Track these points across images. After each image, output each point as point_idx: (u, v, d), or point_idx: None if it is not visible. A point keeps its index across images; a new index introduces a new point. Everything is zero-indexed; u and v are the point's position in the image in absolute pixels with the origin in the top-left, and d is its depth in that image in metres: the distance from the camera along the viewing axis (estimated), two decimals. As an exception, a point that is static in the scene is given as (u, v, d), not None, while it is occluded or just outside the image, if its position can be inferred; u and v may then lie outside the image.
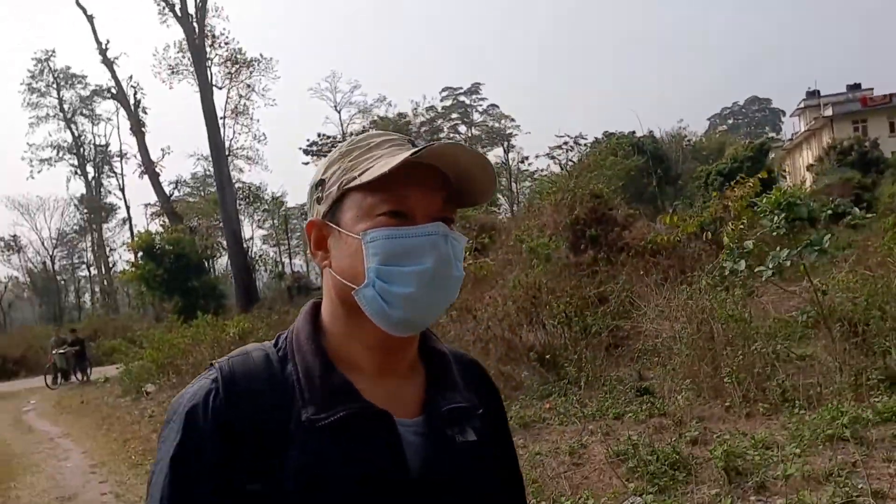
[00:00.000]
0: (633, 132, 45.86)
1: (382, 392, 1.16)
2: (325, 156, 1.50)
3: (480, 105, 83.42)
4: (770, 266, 7.17)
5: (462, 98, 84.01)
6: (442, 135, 54.38)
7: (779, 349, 7.35)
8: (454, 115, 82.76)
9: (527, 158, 64.22)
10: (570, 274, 12.53)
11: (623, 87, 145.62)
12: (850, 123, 48.58)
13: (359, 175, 1.14)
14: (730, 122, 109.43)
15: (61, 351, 22.65)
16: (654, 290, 10.04)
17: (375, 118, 61.23)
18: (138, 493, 7.86)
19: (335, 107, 65.69)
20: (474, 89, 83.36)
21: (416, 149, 1.10)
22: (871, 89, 54.59)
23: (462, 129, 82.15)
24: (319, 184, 1.21)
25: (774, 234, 7.51)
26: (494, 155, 65.46)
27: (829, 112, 50.80)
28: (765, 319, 8.38)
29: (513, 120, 79.74)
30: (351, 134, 41.42)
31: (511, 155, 74.46)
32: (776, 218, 7.33)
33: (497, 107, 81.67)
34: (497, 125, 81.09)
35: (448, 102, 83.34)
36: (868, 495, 4.66)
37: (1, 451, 11.99)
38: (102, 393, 18.56)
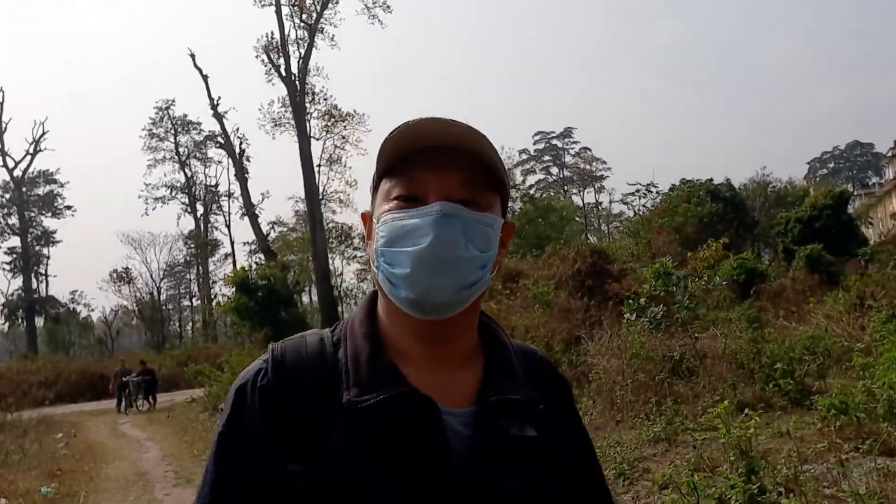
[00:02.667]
0: (711, 179, 46.84)
1: (431, 380, 1.14)
2: None
3: (573, 148, 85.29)
4: (651, 317, 9.37)
5: (554, 141, 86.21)
6: (532, 177, 56.71)
7: (657, 379, 9.43)
8: (546, 158, 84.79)
9: (601, 203, 65.76)
10: (571, 318, 14.72)
11: (720, 130, 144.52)
12: (940, 173, 48.15)
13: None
14: (830, 165, 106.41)
15: (134, 378, 24.68)
16: (606, 332, 12.14)
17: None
18: (191, 473, 10.63)
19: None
20: (566, 133, 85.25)
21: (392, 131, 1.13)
22: (963, 140, 53.72)
23: (554, 170, 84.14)
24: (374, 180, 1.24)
25: (654, 293, 9.70)
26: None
27: (918, 160, 50.53)
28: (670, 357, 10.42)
29: (604, 162, 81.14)
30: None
31: (602, 196, 75.81)
32: (655, 283, 9.56)
33: (589, 149, 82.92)
34: (588, 167, 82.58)
35: (540, 146, 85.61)
36: (640, 471, 6.89)
37: (99, 448, 15.17)
38: (188, 410, 21.63)
